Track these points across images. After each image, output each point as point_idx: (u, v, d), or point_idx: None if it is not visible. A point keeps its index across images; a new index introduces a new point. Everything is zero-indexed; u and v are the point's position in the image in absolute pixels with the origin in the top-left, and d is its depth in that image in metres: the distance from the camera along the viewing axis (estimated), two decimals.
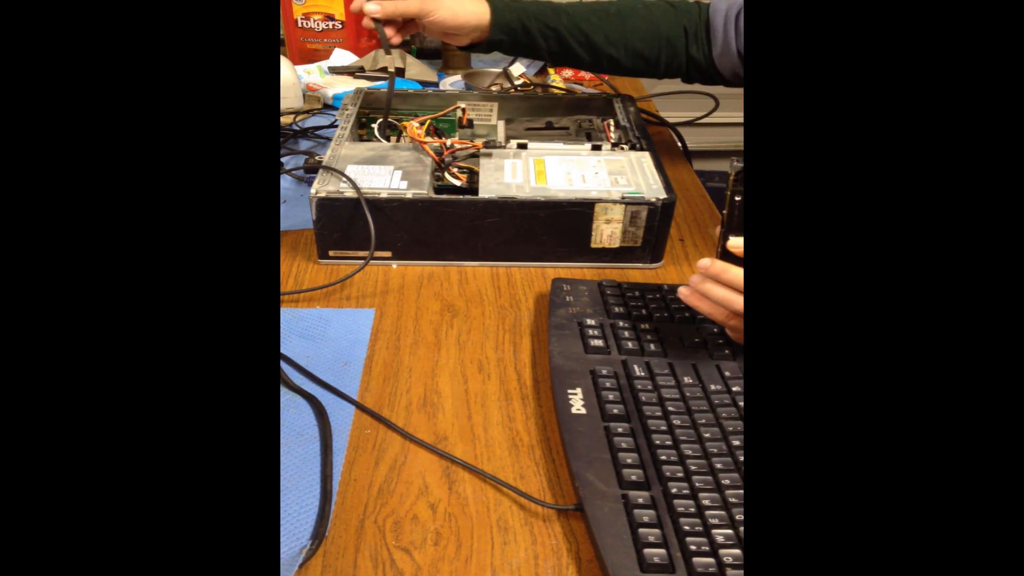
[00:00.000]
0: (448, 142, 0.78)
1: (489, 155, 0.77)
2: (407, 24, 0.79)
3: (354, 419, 0.54)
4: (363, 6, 0.75)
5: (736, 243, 0.54)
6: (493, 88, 1.12)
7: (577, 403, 0.53)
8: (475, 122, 0.89)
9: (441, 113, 0.84)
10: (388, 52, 0.79)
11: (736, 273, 0.54)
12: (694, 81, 0.87)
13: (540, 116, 0.93)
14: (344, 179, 0.70)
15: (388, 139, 0.83)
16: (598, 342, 0.58)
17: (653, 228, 0.71)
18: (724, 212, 0.55)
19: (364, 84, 1.13)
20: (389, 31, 0.78)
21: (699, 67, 0.85)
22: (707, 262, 0.55)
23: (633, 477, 0.46)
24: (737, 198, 0.54)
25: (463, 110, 0.89)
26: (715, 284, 0.55)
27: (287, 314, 0.65)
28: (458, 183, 0.76)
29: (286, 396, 0.56)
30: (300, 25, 1.26)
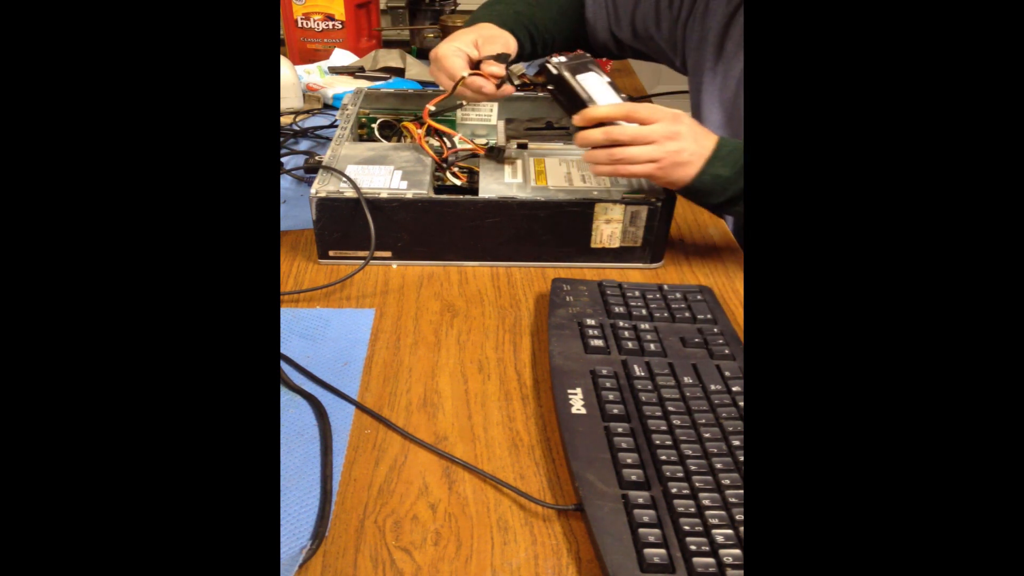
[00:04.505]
0: (456, 137, 0.78)
1: (495, 159, 0.77)
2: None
3: (354, 419, 0.54)
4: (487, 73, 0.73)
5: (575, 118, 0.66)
6: None
7: (577, 403, 0.53)
8: (475, 122, 0.89)
9: (440, 99, 0.82)
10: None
11: (598, 112, 0.65)
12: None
13: (540, 116, 0.93)
14: (344, 179, 0.70)
15: (388, 139, 0.83)
16: (598, 342, 0.58)
17: (653, 228, 0.71)
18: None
19: (364, 84, 1.13)
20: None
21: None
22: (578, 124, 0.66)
23: (633, 477, 0.46)
24: (549, 86, 0.68)
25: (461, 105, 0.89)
26: (592, 131, 0.65)
27: (287, 314, 0.65)
28: (458, 183, 0.76)
29: (286, 396, 0.56)
30: (300, 25, 1.26)
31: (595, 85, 0.67)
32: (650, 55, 0.95)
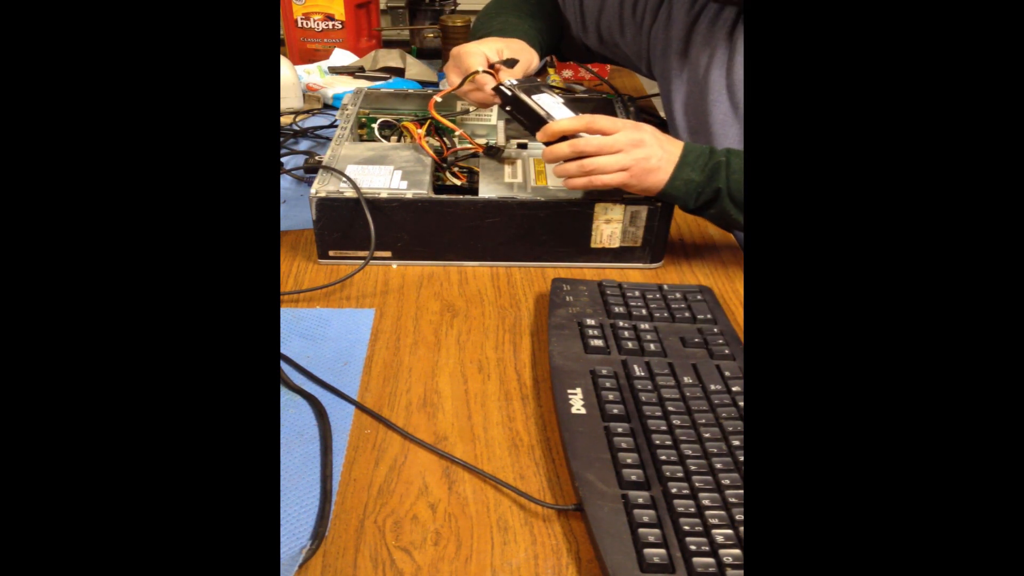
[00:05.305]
0: (457, 133, 0.78)
1: (495, 158, 0.77)
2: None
3: (354, 419, 0.54)
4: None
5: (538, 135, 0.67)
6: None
7: (577, 403, 0.53)
8: (475, 122, 0.89)
9: (446, 91, 0.82)
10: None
11: (559, 126, 0.65)
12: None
13: None
14: (344, 179, 0.70)
15: (388, 139, 0.83)
16: (598, 342, 0.58)
17: (653, 228, 0.71)
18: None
19: (364, 84, 1.13)
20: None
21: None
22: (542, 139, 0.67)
23: (633, 477, 0.46)
24: (507, 107, 0.69)
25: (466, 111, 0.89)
26: (558, 145, 0.66)
27: (287, 314, 0.65)
28: (458, 183, 0.76)
29: (286, 396, 0.56)
30: (300, 25, 1.26)
31: (550, 104, 0.68)
32: (618, 61, 0.96)
